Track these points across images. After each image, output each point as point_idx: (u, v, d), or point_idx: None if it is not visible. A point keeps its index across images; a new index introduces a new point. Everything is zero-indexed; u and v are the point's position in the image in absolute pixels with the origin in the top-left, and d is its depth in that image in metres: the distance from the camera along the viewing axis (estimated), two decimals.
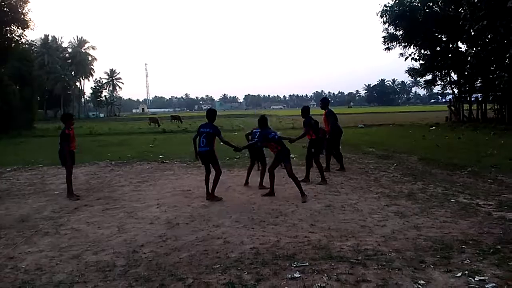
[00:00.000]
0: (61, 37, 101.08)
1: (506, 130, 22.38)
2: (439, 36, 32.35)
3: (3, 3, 30.17)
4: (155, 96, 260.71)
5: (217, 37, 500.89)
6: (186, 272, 4.41)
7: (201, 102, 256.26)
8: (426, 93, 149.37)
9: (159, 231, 5.98)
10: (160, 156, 15.15)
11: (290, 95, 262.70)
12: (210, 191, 8.02)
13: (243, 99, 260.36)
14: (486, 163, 11.22)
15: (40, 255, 5.13)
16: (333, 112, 10.89)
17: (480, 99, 31.95)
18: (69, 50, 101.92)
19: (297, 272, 4.28)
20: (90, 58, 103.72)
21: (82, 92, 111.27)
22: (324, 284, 4.01)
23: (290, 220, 6.37)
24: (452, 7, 29.48)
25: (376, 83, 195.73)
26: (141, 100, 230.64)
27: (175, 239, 5.60)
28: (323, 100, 11.15)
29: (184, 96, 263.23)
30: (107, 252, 5.14)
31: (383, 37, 33.85)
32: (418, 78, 42.57)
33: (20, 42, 33.82)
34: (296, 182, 7.87)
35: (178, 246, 5.30)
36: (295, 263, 4.54)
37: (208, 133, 7.97)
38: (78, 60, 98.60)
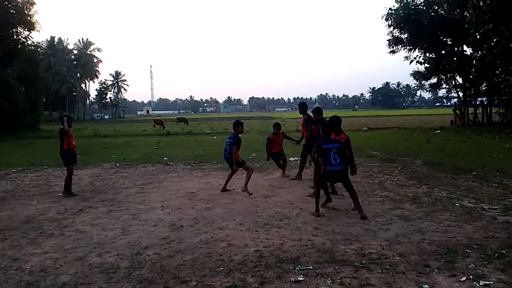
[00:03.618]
0: (67, 39, 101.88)
1: (511, 134, 22.28)
2: (444, 39, 32.31)
3: (9, 5, 30.39)
4: (160, 98, 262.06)
5: (222, 40, 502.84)
6: (190, 275, 4.41)
7: (205, 104, 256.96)
8: (431, 96, 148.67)
9: (163, 233, 5.99)
10: (165, 158, 15.17)
11: (294, 98, 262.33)
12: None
13: (248, 101, 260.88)
14: (491, 167, 11.16)
15: (44, 256, 5.15)
16: (311, 118, 10.32)
17: (485, 103, 31.87)
18: (75, 52, 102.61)
19: (301, 276, 4.27)
20: (95, 60, 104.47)
21: (87, 94, 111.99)
22: None
23: (294, 223, 6.37)
24: (458, 10, 29.46)
25: (381, 86, 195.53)
26: (145, 102, 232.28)
27: (179, 241, 5.60)
28: (302, 104, 10.78)
29: (188, 98, 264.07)
30: (111, 254, 5.15)
31: (388, 40, 33.88)
32: (423, 82, 42.51)
33: (26, 44, 34.11)
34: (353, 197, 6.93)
35: (182, 248, 5.30)
36: (299, 266, 4.53)
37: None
38: (84, 62, 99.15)
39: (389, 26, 32.42)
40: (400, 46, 33.67)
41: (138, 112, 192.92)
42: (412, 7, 31.06)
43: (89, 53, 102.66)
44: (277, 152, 10.96)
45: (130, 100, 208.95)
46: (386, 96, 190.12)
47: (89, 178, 11.26)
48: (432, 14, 30.93)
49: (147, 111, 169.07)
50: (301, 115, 10.59)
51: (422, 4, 31.22)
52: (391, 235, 5.63)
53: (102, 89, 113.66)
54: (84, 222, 6.77)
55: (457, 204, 7.26)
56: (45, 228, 6.47)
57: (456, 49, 32.50)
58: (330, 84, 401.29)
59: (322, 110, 9.69)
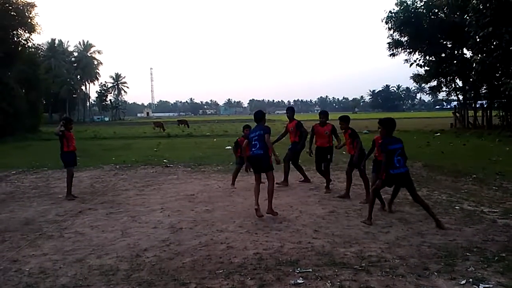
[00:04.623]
0: (68, 41, 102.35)
1: (511, 137, 22.29)
2: (444, 42, 32.39)
3: (10, 8, 30.44)
4: (160, 101, 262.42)
5: (222, 42, 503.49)
6: (189, 277, 4.41)
7: (205, 106, 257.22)
8: (431, 99, 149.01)
9: (163, 236, 5.99)
10: (164, 161, 15.17)
11: (294, 100, 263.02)
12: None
13: (248, 104, 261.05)
14: (491, 170, 11.16)
15: (44, 258, 5.14)
16: (302, 124, 9.92)
17: (485, 106, 31.88)
18: (75, 54, 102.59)
19: (300, 278, 4.26)
20: (95, 62, 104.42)
21: (87, 96, 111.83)
22: None
23: (294, 225, 6.36)
24: (458, 13, 29.49)
25: (381, 89, 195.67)
26: (146, 104, 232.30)
27: (179, 243, 5.60)
28: (291, 109, 10.29)
29: (188, 101, 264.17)
30: (110, 256, 5.14)
31: (388, 43, 33.95)
32: (423, 84, 42.54)
33: (26, 46, 34.12)
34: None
35: (181, 250, 5.30)
36: (298, 269, 4.53)
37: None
38: (84, 64, 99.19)
39: (389, 29, 32.51)
40: (400, 49, 33.77)
41: (138, 114, 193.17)
42: (412, 10, 31.15)
43: (89, 55, 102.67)
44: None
45: (130, 102, 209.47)
46: (386, 98, 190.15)
47: (89, 180, 11.25)
48: (432, 17, 31.01)
49: (147, 113, 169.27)
50: (288, 120, 10.06)
51: (422, 7, 31.30)
52: (391, 238, 5.63)
53: (102, 91, 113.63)
54: (83, 224, 6.76)
55: (457, 207, 7.26)
56: (45, 230, 6.47)
57: (456, 52, 32.55)
58: (330, 87, 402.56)
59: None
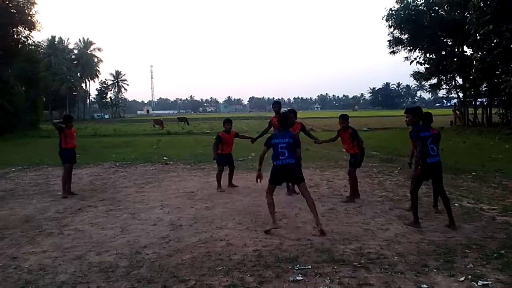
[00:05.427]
0: (68, 39, 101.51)
1: (511, 134, 22.28)
2: (445, 40, 32.28)
3: (10, 5, 30.39)
4: (160, 98, 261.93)
5: (222, 40, 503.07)
6: (189, 274, 4.41)
7: (205, 104, 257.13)
8: (431, 97, 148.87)
9: (162, 233, 5.99)
10: (164, 158, 15.17)
11: (294, 98, 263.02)
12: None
13: (248, 101, 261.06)
14: (490, 167, 11.17)
15: (43, 255, 5.15)
16: None
17: (485, 104, 31.84)
18: (75, 51, 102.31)
19: (300, 275, 4.27)
20: (96, 60, 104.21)
21: (87, 94, 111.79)
22: (326, 287, 4.00)
23: (293, 223, 6.36)
24: (458, 11, 29.42)
25: (381, 87, 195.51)
26: (146, 102, 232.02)
27: (178, 240, 5.60)
28: (278, 103, 9.42)
29: (188, 98, 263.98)
30: (110, 253, 5.15)
31: (388, 40, 33.84)
32: (423, 82, 42.50)
33: (27, 43, 34.07)
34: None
35: (180, 247, 5.30)
36: (298, 266, 4.53)
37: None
38: (84, 61, 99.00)
39: (390, 26, 32.39)
40: (401, 46, 33.65)
41: (138, 112, 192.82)
42: (413, 7, 31.04)
43: (89, 52, 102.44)
44: (227, 154, 9.46)
45: (130, 100, 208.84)
46: (386, 96, 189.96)
47: (89, 177, 11.26)
48: (433, 14, 30.90)
49: (147, 110, 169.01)
50: (275, 114, 9.28)
51: (423, 4, 31.20)
52: (390, 235, 5.63)
53: (103, 89, 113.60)
54: (83, 221, 6.77)
55: (456, 204, 7.27)
56: (44, 227, 6.47)
57: (456, 49, 32.47)
58: (330, 84, 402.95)
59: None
